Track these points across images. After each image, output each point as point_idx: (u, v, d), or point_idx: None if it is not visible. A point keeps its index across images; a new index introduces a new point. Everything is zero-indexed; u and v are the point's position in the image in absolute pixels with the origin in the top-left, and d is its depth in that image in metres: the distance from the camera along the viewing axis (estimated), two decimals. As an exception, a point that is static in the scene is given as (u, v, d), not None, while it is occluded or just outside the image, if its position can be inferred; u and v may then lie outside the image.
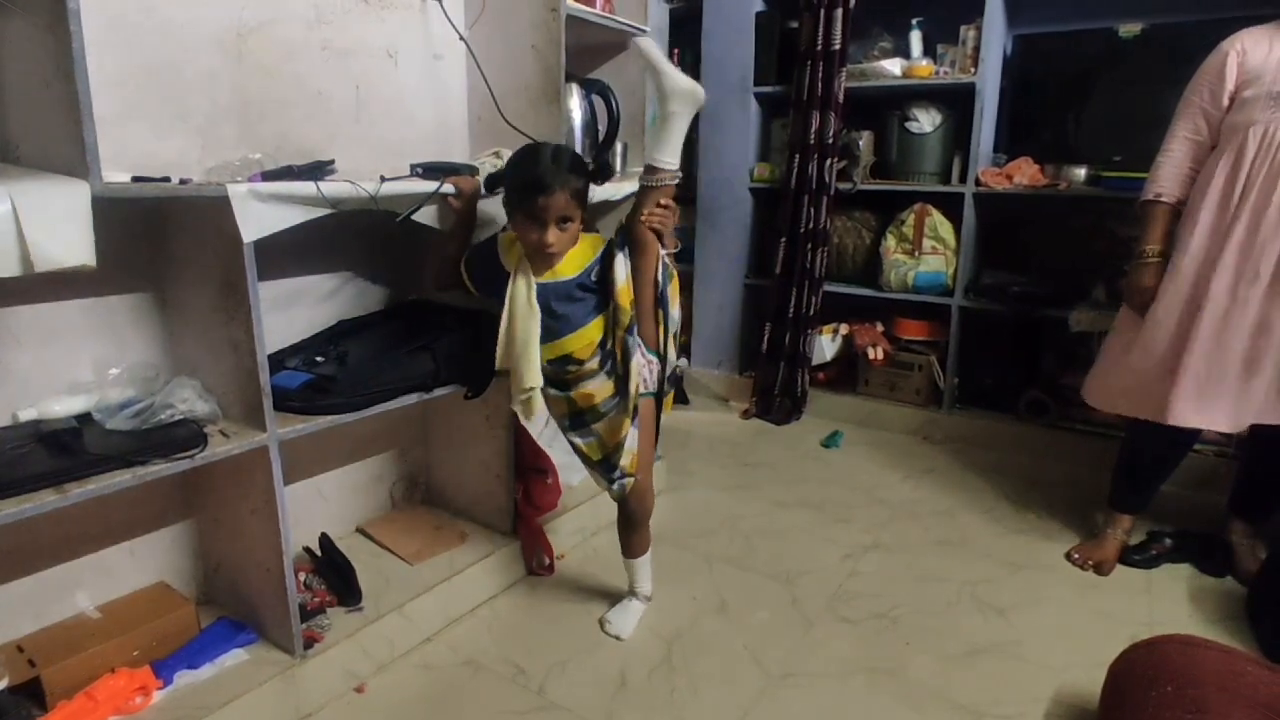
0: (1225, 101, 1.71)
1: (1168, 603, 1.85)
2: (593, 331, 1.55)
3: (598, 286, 1.54)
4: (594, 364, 1.56)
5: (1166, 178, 1.80)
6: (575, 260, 1.53)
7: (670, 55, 3.32)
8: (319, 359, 1.57)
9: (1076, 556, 2.02)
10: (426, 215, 1.55)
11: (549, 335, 1.54)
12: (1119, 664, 1.38)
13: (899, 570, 1.99)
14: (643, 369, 1.56)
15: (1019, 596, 1.87)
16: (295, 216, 1.29)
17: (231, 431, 1.32)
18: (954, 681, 1.56)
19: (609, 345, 1.56)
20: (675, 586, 1.88)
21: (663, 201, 1.51)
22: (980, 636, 1.71)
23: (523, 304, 1.50)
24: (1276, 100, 1.62)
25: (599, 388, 1.58)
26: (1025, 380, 2.82)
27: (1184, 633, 1.41)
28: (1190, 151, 1.78)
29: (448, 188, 1.53)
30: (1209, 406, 1.75)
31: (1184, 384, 1.75)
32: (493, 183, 1.60)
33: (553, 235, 1.44)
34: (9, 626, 1.35)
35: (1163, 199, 1.81)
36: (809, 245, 2.92)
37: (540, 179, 1.41)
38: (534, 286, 1.50)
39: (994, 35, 2.65)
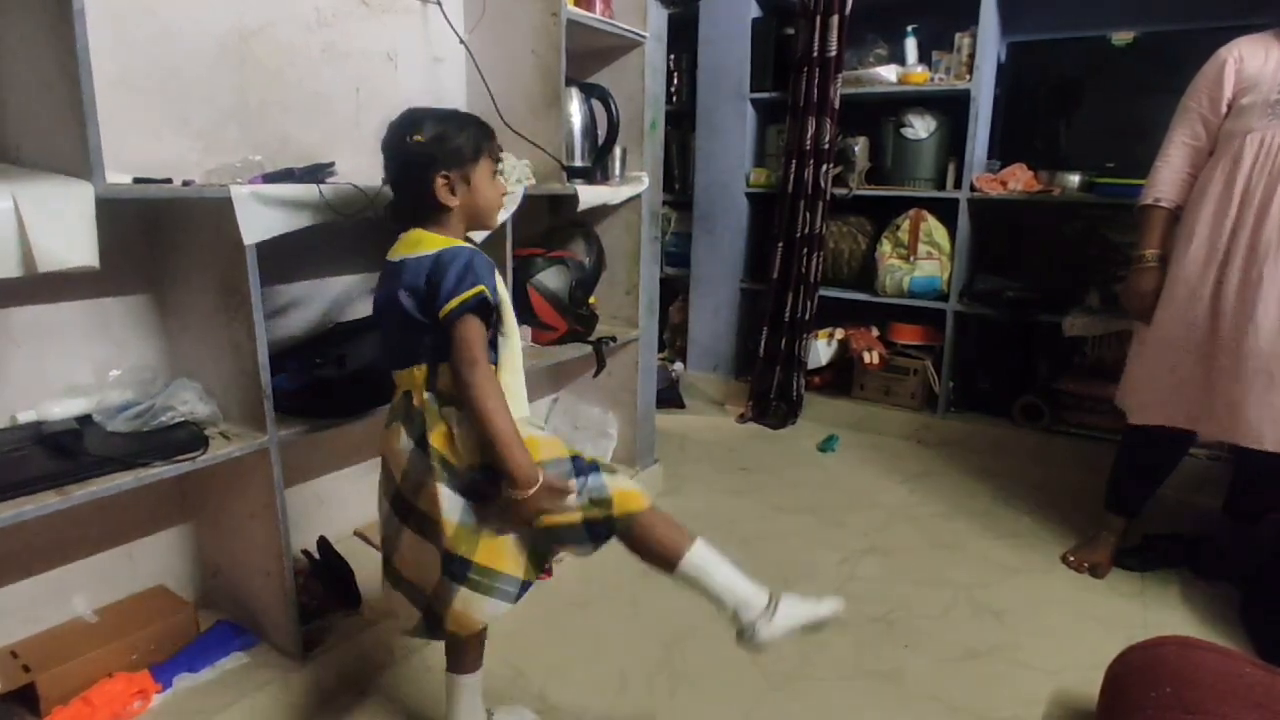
0: (1223, 108, 1.72)
1: (1162, 605, 1.86)
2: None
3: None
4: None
5: (1165, 182, 1.81)
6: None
7: (667, 61, 3.33)
8: (318, 361, 1.56)
9: (1072, 559, 2.03)
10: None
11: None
12: (1117, 665, 1.39)
13: (896, 574, 2.00)
14: None
15: (1015, 599, 1.88)
16: (298, 221, 1.29)
17: (232, 434, 1.31)
18: (951, 684, 1.57)
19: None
20: (673, 590, 1.87)
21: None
22: (977, 639, 1.72)
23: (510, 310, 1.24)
24: (1274, 108, 1.63)
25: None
26: (1020, 384, 2.84)
27: (1181, 634, 1.42)
28: (1188, 157, 1.79)
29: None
30: (1230, 415, 1.69)
31: (1200, 394, 1.73)
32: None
33: None
34: (3, 631, 1.34)
35: (1161, 203, 1.81)
36: (805, 250, 2.93)
37: (483, 121, 1.22)
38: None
39: (988, 42, 2.68)
